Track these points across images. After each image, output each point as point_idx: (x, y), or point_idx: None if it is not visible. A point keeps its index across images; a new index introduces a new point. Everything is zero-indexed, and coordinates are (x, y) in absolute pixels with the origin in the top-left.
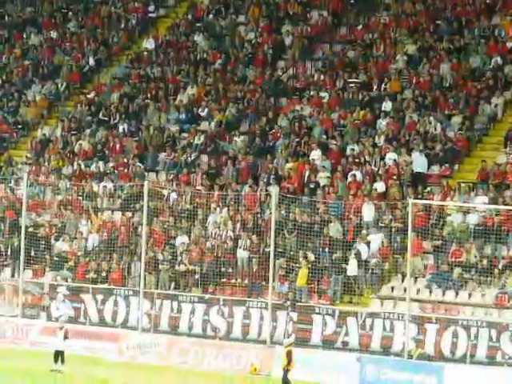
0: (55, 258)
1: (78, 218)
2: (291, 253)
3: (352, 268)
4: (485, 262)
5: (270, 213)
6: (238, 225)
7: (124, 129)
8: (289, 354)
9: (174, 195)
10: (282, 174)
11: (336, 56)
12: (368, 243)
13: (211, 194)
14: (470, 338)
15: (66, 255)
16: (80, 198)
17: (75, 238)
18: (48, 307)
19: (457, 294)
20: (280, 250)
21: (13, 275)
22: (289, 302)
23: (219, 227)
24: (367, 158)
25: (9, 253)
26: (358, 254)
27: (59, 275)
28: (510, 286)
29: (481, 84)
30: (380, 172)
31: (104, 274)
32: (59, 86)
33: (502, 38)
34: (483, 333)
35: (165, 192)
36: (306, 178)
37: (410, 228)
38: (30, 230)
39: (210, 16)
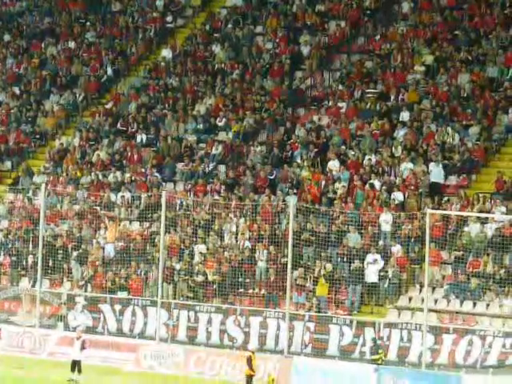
0: (72, 268)
1: (95, 227)
2: (308, 263)
3: (371, 276)
4: (502, 272)
5: (288, 223)
6: (256, 235)
7: (142, 139)
8: (248, 361)
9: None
10: (299, 184)
11: (353, 66)
12: (386, 253)
13: (229, 204)
14: (484, 347)
15: (83, 265)
16: (97, 208)
17: (92, 248)
18: (65, 317)
19: (474, 304)
20: (297, 260)
21: (31, 285)
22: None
23: (236, 237)
24: (385, 168)
25: (26, 263)
26: (375, 263)
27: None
28: None
29: (498, 94)
30: (397, 182)
31: (122, 282)
32: (77, 96)
33: None
34: (497, 342)
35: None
36: (323, 188)
37: (427, 238)
38: (48, 240)
39: (228, 26)
